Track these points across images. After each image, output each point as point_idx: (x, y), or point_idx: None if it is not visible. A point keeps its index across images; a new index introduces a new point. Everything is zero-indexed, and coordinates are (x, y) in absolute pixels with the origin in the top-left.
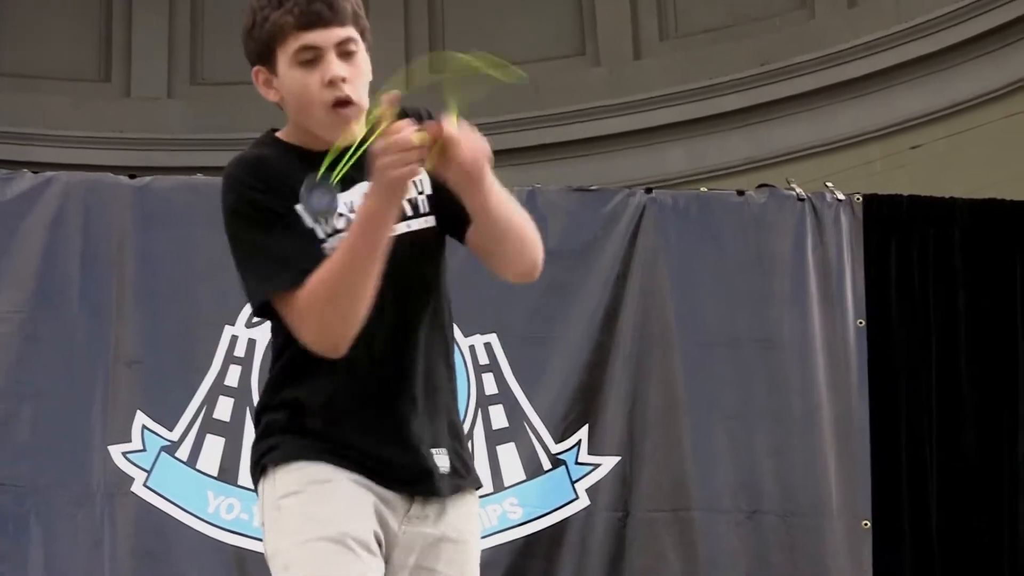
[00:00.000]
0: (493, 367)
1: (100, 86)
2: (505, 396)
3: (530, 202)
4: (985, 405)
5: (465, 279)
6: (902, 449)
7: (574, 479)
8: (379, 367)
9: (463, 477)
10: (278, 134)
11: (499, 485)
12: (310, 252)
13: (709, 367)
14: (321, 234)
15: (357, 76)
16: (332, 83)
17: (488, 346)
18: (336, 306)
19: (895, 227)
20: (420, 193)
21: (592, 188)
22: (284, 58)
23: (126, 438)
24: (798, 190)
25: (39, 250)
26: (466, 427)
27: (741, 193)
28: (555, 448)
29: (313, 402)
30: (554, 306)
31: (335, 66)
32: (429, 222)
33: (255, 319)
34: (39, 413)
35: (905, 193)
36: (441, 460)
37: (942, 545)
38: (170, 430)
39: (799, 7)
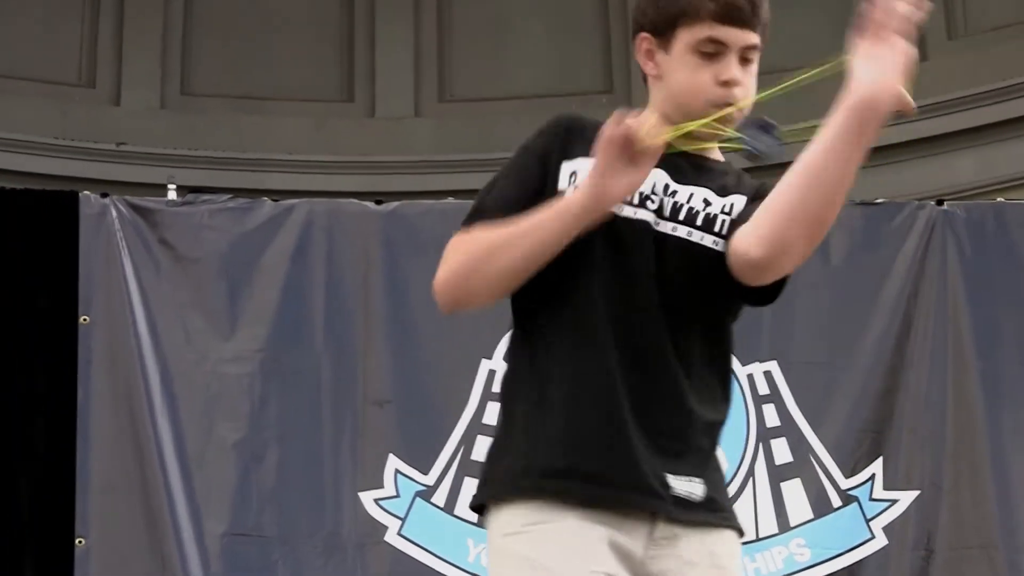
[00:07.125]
0: (774, 397)
1: (343, 106)
2: (788, 428)
3: None
4: None
5: None
6: None
7: (868, 517)
8: (631, 377)
9: (722, 512)
10: None
11: (784, 525)
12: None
13: (1011, 390)
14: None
15: (749, 85)
16: (727, 84)
17: (768, 375)
18: (479, 269)
19: None
20: (725, 213)
21: (878, 201)
22: (684, 41)
23: (378, 484)
24: None
25: (280, 283)
26: (746, 462)
27: None
28: (845, 484)
29: (545, 415)
30: (839, 329)
31: (735, 68)
32: (716, 245)
33: None
34: (285, 458)
35: None
36: (692, 487)
37: None
38: (425, 474)
39: None
